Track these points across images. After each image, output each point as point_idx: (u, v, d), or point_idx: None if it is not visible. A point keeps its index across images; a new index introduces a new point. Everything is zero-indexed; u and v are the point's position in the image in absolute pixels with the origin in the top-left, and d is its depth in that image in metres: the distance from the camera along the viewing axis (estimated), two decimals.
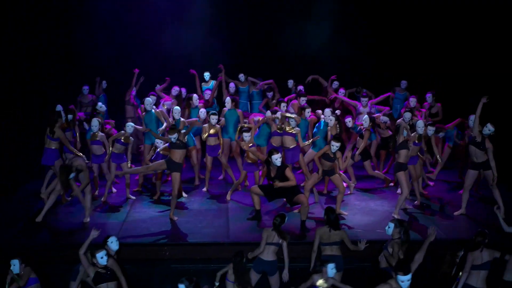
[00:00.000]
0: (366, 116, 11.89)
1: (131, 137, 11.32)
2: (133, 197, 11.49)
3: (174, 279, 7.85)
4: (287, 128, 11.33)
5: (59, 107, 11.23)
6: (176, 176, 10.25)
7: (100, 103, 12.53)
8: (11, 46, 12.17)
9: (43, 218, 10.17)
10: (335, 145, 10.24)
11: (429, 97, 13.35)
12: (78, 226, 10.04)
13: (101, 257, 7.54)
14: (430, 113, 13.33)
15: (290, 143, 11.37)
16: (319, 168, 10.45)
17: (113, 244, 7.99)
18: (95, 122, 11.06)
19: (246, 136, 10.93)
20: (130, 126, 11.28)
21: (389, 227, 8.23)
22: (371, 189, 12.22)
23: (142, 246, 9.34)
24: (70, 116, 11.51)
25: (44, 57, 13.59)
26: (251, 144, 11.00)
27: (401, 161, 10.46)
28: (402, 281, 6.69)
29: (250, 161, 11.20)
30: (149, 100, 11.97)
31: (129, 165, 11.30)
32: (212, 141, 11.91)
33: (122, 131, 11.30)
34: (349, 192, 11.80)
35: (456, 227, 10.21)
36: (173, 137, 10.13)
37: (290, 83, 14.53)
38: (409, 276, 6.70)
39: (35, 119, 12.10)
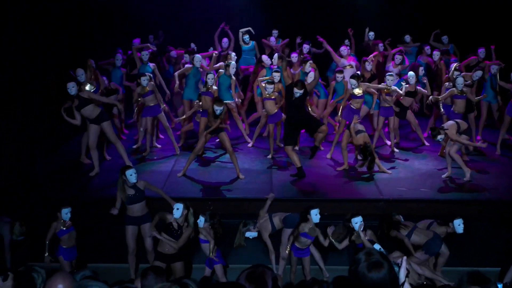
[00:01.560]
0: (411, 72, 11.69)
1: (147, 87, 11.18)
2: (178, 151, 11.55)
3: None
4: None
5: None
6: (222, 135, 10.29)
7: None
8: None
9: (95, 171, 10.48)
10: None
11: (481, 52, 12.97)
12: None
13: (177, 209, 7.85)
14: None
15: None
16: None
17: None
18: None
19: (269, 88, 11.04)
20: (144, 79, 11.15)
21: None
22: (414, 148, 12.08)
23: (186, 200, 9.36)
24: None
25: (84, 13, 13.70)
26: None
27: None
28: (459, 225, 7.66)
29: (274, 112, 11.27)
30: (199, 57, 12.00)
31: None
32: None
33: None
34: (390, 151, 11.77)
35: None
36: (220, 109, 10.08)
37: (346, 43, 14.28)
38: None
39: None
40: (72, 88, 9.86)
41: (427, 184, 10.00)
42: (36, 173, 10.86)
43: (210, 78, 11.18)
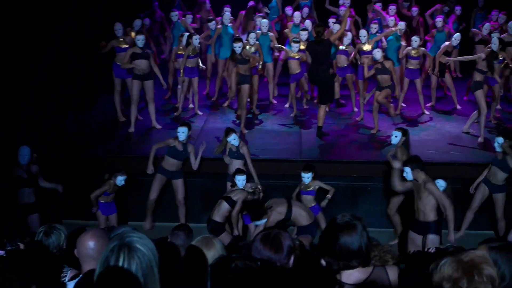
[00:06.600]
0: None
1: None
2: (200, 113, 11.45)
3: None
4: None
5: None
6: (243, 88, 10.27)
7: None
8: None
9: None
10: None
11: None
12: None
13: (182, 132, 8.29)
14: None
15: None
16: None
17: (235, 140, 8.60)
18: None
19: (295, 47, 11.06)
20: (196, 39, 11.06)
21: (396, 137, 8.49)
22: (448, 111, 11.86)
23: (212, 160, 9.23)
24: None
25: None
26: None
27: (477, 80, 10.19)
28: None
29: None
30: (266, 22, 11.70)
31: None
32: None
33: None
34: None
35: None
36: (238, 46, 10.07)
37: None
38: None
39: None
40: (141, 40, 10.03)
41: (457, 148, 9.91)
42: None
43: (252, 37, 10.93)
